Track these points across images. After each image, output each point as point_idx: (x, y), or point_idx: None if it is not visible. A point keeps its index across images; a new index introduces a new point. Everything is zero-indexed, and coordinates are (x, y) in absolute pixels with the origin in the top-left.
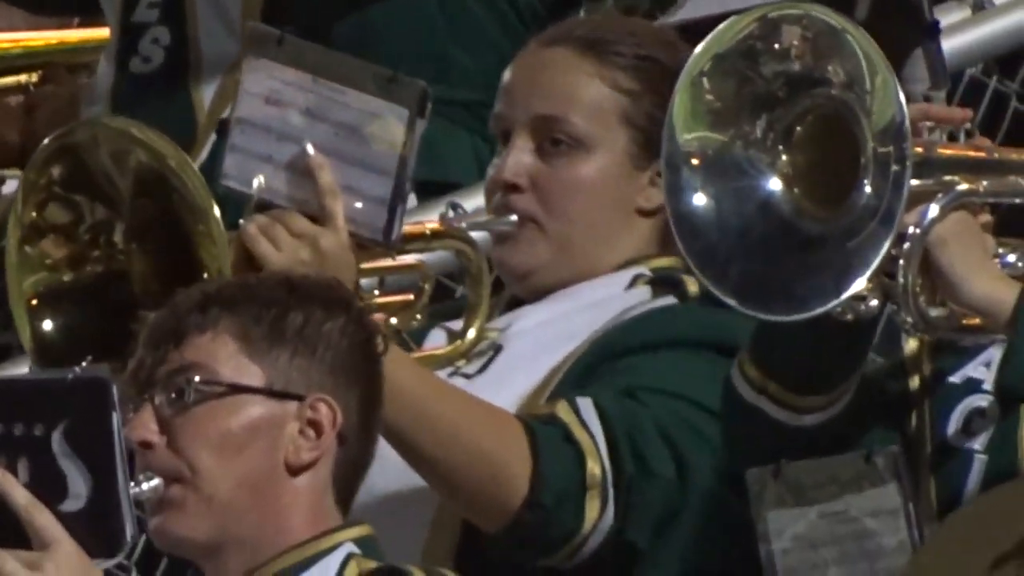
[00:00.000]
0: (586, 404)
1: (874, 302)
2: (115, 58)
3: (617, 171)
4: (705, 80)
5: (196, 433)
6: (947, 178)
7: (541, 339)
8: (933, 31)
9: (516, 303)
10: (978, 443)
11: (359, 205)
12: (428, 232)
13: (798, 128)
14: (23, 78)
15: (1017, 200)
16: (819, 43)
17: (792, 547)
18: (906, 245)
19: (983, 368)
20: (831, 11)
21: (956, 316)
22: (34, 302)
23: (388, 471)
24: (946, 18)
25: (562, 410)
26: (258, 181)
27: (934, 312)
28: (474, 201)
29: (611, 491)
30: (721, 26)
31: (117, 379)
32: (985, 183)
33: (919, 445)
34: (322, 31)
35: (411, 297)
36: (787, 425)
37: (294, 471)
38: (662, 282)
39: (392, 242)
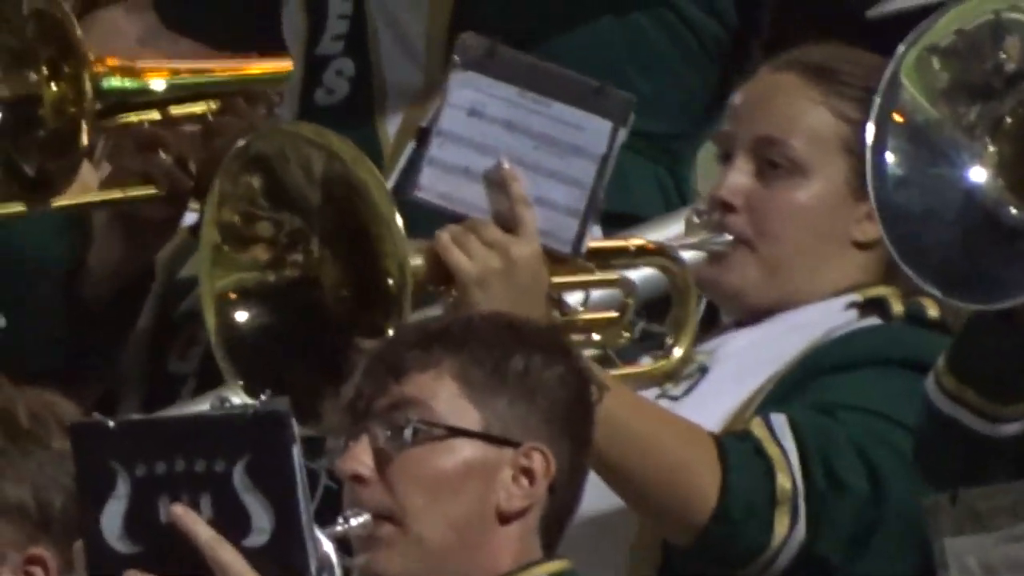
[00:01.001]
0: (779, 420)
1: None
2: (299, 90)
3: (834, 200)
4: (935, 55)
5: (411, 473)
6: None
7: (747, 361)
8: None
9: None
10: None
11: (552, 216)
12: (632, 248)
13: (1008, 120)
14: (202, 107)
15: None
16: None
17: (971, 574)
18: None
19: None
20: None
21: None
22: (227, 300)
23: (586, 496)
24: None
25: (755, 425)
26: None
27: None
28: (659, 235)
29: (802, 506)
30: (956, 8)
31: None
32: None
33: None
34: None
35: (616, 314)
36: (983, 435)
37: (504, 518)
38: (868, 305)
39: (579, 254)
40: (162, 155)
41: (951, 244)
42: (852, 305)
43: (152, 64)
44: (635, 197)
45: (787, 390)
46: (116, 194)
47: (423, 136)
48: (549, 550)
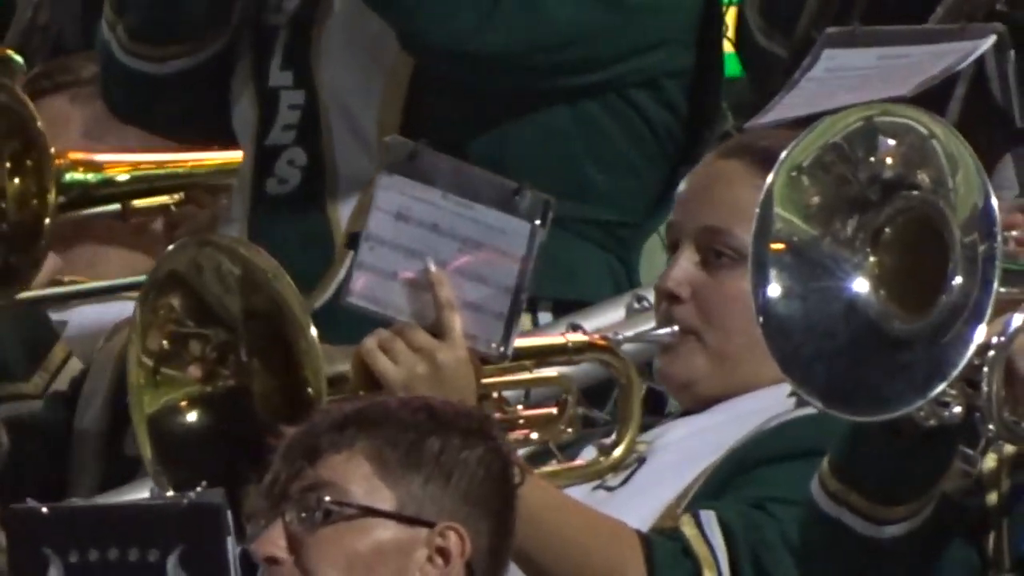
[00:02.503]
0: (709, 517)
1: (957, 409)
2: (251, 180)
3: None
4: (804, 173)
5: (324, 553)
6: None
7: (685, 451)
8: (1022, 136)
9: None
10: None
11: (479, 319)
12: (572, 345)
13: (887, 230)
14: (165, 199)
15: None
16: (910, 150)
17: None
18: (990, 354)
19: None
20: (922, 114)
21: None
22: (160, 419)
23: None
24: None
25: (685, 523)
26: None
27: (1018, 423)
28: (599, 320)
29: None
30: (825, 122)
31: (248, 499)
32: None
33: (998, 560)
34: (459, 148)
35: (553, 411)
36: (867, 538)
37: None
38: None
39: (507, 355)
40: None
41: (835, 356)
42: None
43: (113, 158)
44: (586, 284)
45: (721, 482)
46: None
47: (354, 241)
48: None
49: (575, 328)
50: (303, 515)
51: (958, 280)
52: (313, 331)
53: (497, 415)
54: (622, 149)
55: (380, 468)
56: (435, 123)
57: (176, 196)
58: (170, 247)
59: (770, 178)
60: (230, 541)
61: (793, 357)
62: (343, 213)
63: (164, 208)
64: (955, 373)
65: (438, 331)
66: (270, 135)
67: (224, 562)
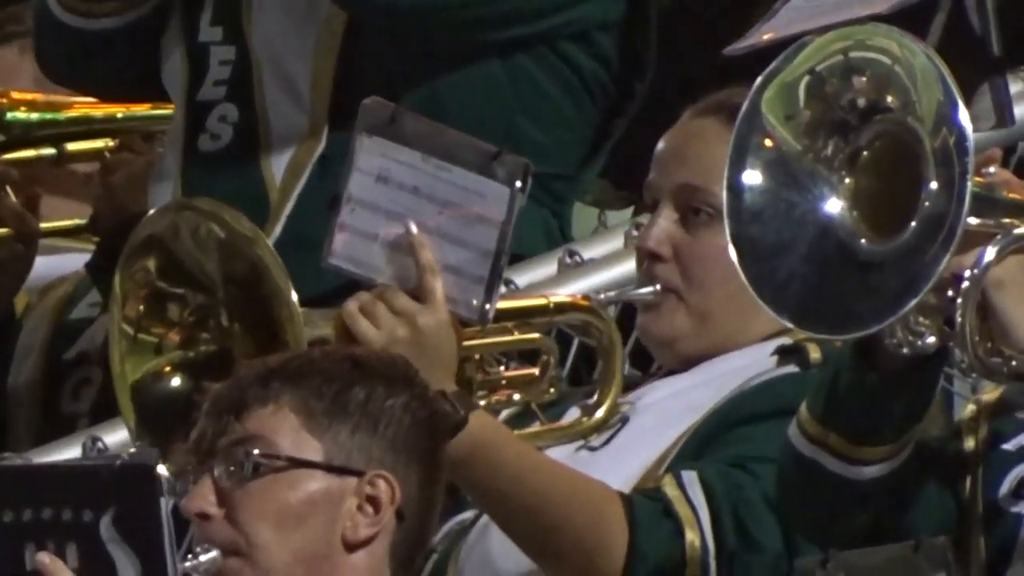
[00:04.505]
0: (690, 477)
1: (931, 339)
2: (183, 137)
3: None
4: (794, 90)
5: (254, 506)
6: (1006, 220)
7: (667, 411)
8: (1000, 66)
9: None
10: None
11: (459, 283)
12: (552, 305)
13: (865, 154)
14: (100, 144)
15: None
16: (878, 80)
17: None
18: (964, 285)
19: None
20: (884, 38)
21: (1012, 361)
22: (145, 384)
23: (506, 552)
24: None
25: (667, 484)
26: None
27: (990, 356)
28: (532, 275)
29: (712, 564)
30: (813, 44)
31: (176, 459)
32: None
33: (971, 504)
34: (392, 101)
35: (535, 372)
36: (845, 478)
37: (351, 547)
38: (787, 351)
39: (487, 320)
40: (11, 196)
41: (806, 276)
42: (780, 350)
43: (54, 99)
44: (520, 238)
45: (703, 441)
46: None
47: (334, 202)
48: None
49: (506, 284)
50: (232, 469)
51: (933, 185)
52: (295, 296)
53: (479, 377)
54: (554, 102)
55: (307, 419)
56: (368, 76)
57: (111, 142)
58: (150, 212)
59: (759, 82)
60: (163, 501)
61: (765, 277)
62: (277, 169)
63: (99, 154)
64: (927, 287)
65: (419, 294)
66: (201, 91)
67: (158, 522)
